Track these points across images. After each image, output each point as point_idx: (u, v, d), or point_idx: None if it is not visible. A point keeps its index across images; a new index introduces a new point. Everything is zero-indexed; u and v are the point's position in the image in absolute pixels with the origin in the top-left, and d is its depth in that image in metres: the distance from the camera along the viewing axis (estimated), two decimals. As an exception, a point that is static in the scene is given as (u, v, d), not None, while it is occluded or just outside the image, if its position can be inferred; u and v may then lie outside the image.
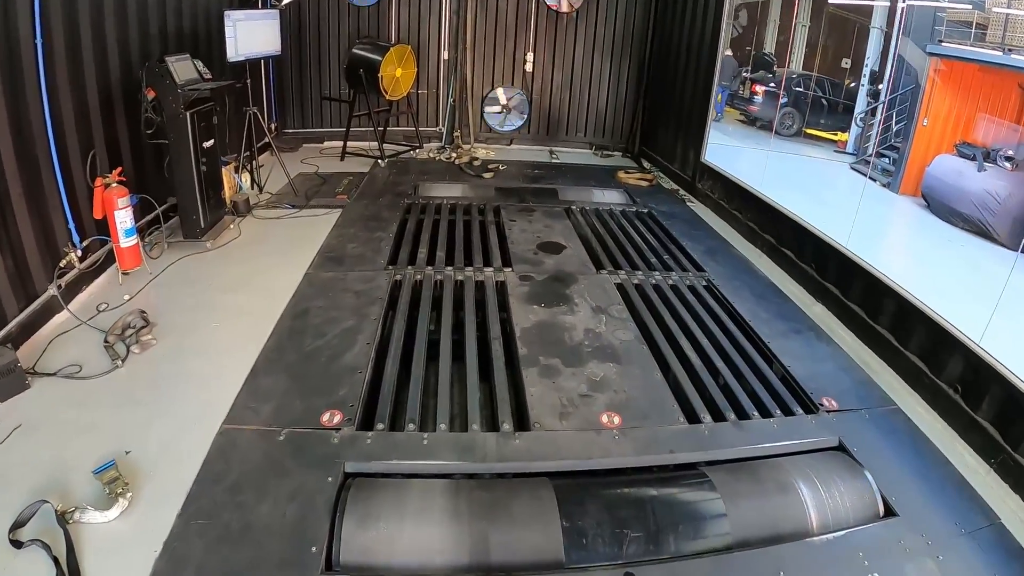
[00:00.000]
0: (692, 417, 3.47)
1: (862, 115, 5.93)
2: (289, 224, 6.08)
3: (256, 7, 7.79)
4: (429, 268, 4.92)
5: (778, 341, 4.33)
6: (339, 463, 2.88)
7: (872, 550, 2.70)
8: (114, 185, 4.63)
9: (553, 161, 9.07)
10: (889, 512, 2.94)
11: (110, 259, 4.83)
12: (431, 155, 8.72)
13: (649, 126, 9.64)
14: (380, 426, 3.17)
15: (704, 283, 5.13)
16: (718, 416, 3.50)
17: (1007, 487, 3.40)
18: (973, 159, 4.68)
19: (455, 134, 9.38)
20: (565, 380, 3.67)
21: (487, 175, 7.72)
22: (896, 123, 5.60)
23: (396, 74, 8.13)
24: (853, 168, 6.15)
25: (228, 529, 2.53)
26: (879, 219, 5.39)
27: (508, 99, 9.57)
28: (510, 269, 5.04)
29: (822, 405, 3.63)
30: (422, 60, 9.11)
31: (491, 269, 4.99)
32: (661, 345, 4.15)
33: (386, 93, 8.04)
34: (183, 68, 5.20)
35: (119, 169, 4.72)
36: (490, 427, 3.30)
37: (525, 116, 9.73)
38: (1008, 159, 4.36)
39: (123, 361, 3.73)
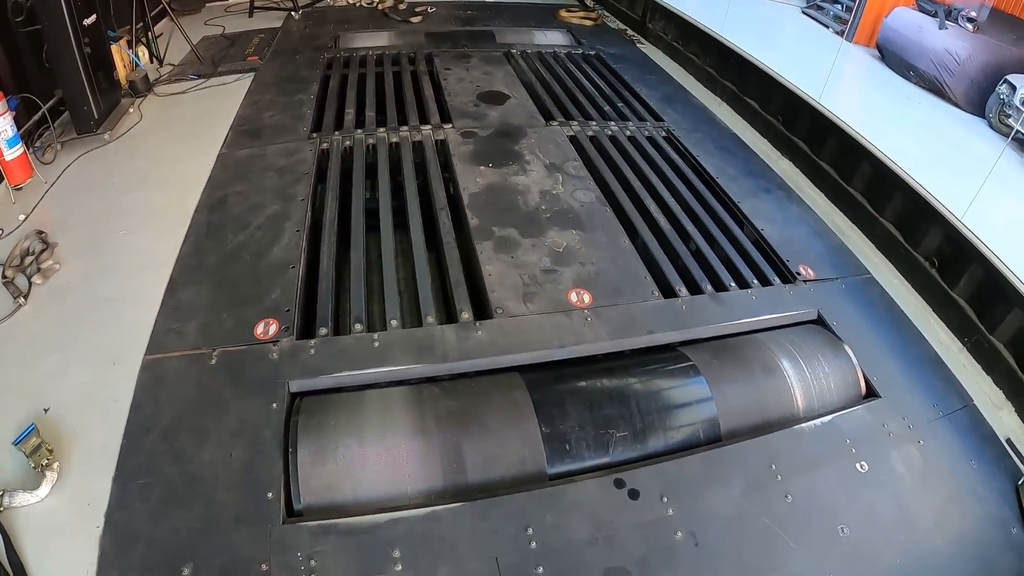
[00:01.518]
0: (667, 291, 3.20)
1: None
2: (196, 98, 5.36)
3: None
4: (359, 132, 4.37)
5: (748, 201, 4.02)
6: (282, 384, 2.52)
7: (859, 437, 2.61)
8: (-15, 91, 3.91)
9: (487, 0, 8.24)
10: (871, 393, 2.83)
11: (-2, 175, 4.15)
12: (351, 1, 7.82)
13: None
14: (323, 331, 2.79)
15: (664, 134, 4.76)
16: (694, 288, 3.24)
17: (979, 368, 3.34)
18: (934, 15, 4.64)
19: (376, -24, 8.41)
20: (525, 254, 3.30)
21: (415, 19, 6.92)
22: None
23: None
24: (804, 12, 6.05)
25: (172, 487, 2.19)
26: (834, 70, 5.14)
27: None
28: (450, 126, 4.52)
29: (799, 274, 3.41)
30: None
31: (429, 127, 4.47)
32: (626, 207, 3.82)
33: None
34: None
35: (-13, 71, 3.99)
36: (447, 318, 2.97)
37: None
38: (970, 20, 4.33)
39: (26, 298, 3.21)
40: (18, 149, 4.09)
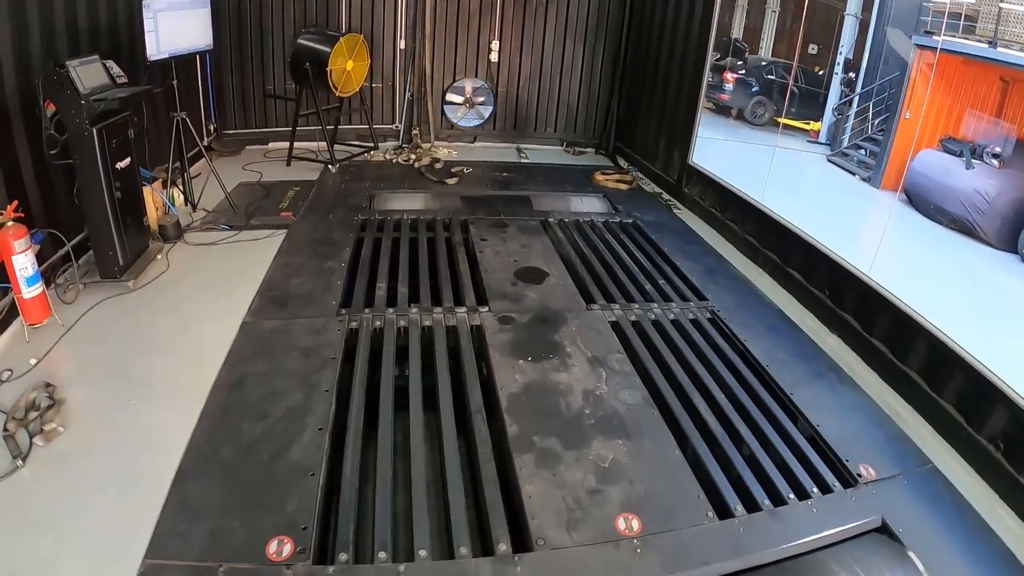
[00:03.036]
0: (722, 509, 2.88)
1: (838, 106, 5.72)
2: (226, 251, 5.26)
3: None
4: (390, 311, 4.17)
5: (801, 391, 3.76)
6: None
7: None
8: (9, 224, 3.79)
9: (522, 161, 8.33)
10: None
11: (14, 310, 3.97)
12: (387, 157, 7.90)
13: (625, 121, 8.92)
14: (343, 557, 2.48)
15: (708, 315, 4.53)
16: (751, 504, 2.92)
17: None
18: (959, 155, 4.56)
19: (413, 132, 8.58)
20: (568, 470, 3.00)
21: (451, 181, 6.95)
22: (874, 115, 5.45)
23: (347, 67, 7.29)
24: (830, 160, 5.98)
25: None
26: (862, 217, 5.19)
27: (471, 92, 8.76)
28: (487, 309, 4.33)
29: (860, 476, 3.12)
30: (376, 50, 8.23)
31: (464, 309, 4.27)
32: (673, 406, 3.53)
33: (336, 89, 7.19)
34: (90, 73, 4.34)
35: (14, 204, 3.86)
36: (482, 549, 2.63)
37: (490, 110, 8.94)
38: (995, 156, 4.25)
39: (24, 460, 2.95)
40: (38, 288, 3.95)
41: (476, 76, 8.74)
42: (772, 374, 3.89)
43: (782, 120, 6.08)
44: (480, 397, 3.46)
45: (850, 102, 5.66)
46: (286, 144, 7.71)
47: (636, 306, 4.55)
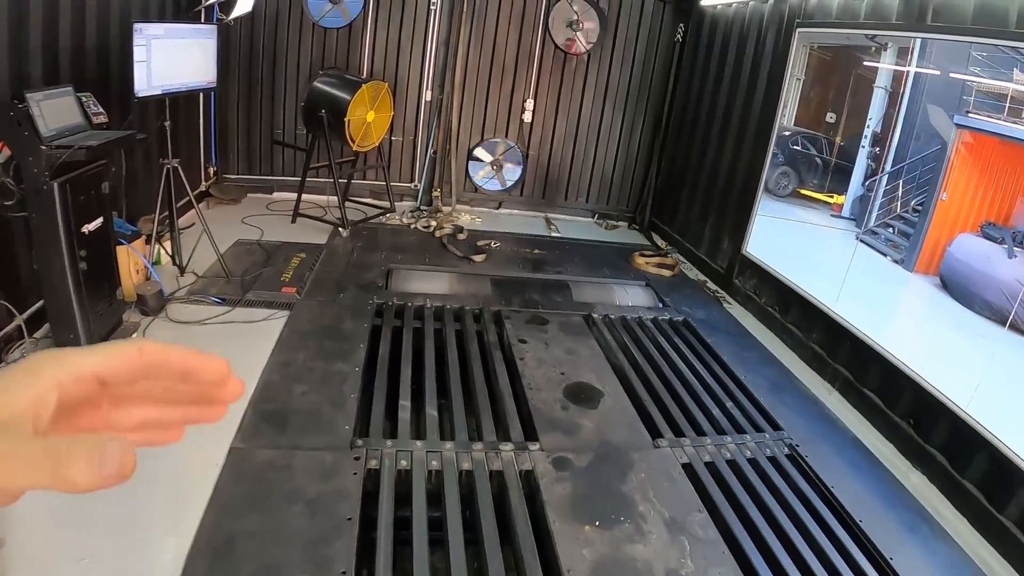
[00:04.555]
0: None
1: (868, 182, 5.66)
2: (215, 334, 4.35)
3: (189, 19, 5.98)
4: (418, 444, 3.30)
5: (900, 552, 3.17)
6: None
7: None
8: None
9: (553, 235, 7.49)
10: None
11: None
12: (405, 220, 7.05)
13: (663, 194, 8.11)
14: None
15: (786, 450, 3.85)
16: None
17: None
18: (1000, 242, 4.41)
19: (434, 193, 7.74)
20: None
21: (478, 258, 6.08)
22: (903, 193, 5.35)
23: (368, 118, 6.47)
24: (860, 239, 5.87)
25: None
26: (897, 303, 5.12)
27: (501, 153, 7.95)
28: (537, 446, 3.45)
29: None
30: (399, 100, 7.41)
31: (510, 446, 3.39)
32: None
33: (353, 142, 6.36)
34: (57, 109, 3.54)
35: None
36: None
37: (518, 176, 8.13)
38: None
39: None
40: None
41: (507, 136, 7.93)
42: (865, 530, 3.28)
43: (805, 192, 5.94)
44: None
45: (879, 179, 5.58)
46: (292, 195, 6.86)
47: (708, 441, 3.79)
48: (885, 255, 5.65)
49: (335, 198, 6.57)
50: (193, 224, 5.56)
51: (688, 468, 3.53)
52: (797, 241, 5.98)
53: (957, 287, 4.69)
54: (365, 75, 7.30)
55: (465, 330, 4.62)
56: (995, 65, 5.05)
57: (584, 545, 2.85)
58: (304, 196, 6.70)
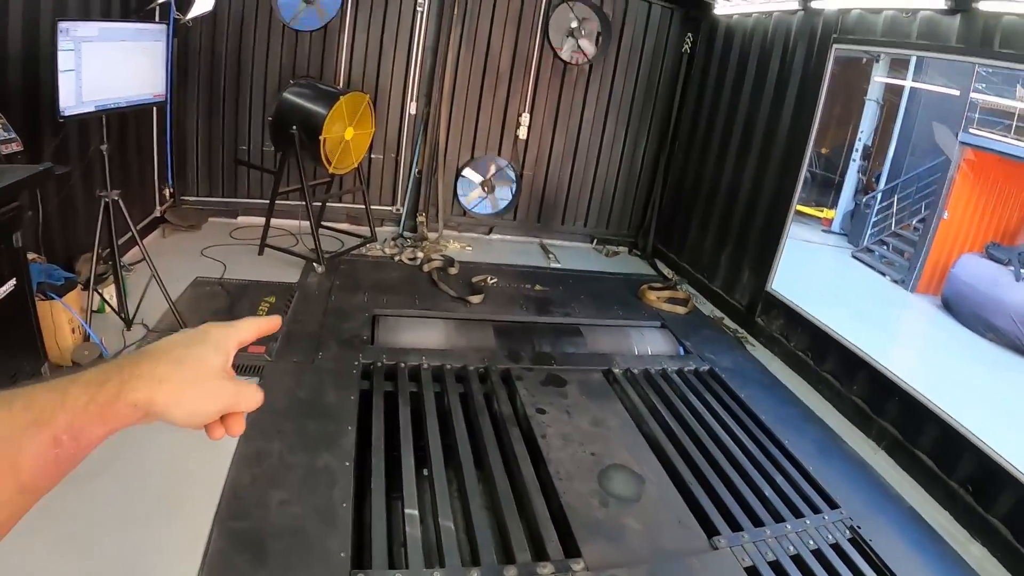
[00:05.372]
0: None
1: (864, 200, 5.74)
2: (167, 410, 3.53)
3: (137, 19, 5.07)
4: (436, 574, 2.54)
5: None
6: None
7: None
8: None
9: (552, 266, 6.75)
10: None
11: None
12: (387, 251, 6.24)
13: (670, 217, 7.41)
14: None
15: (848, 534, 3.35)
16: None
17: None
18: (1007, 264, 4.41)
19: (418, 218, 6.95)
20: None
21: (474, 299, 5.28)
22: (899, 210, 5.41)
23: (346, 136, 5.66)
24: (855, 257, 5.90)
25: None
26: (910, 329, 4.94)
27: (492, 173, 7.18)
28: (580, 565, 2.73)
29: None
30: (379, 112, 6.60)
31: (549, 568, 2.66)
32: None
33: (329, 164, 5.55)
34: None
35: None
36: None
37: (509, 199, 7.36)
38: None
39: None
40: None
41: (499, 154, 7.17)
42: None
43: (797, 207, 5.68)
44: None
45: (875, 195, 5.63)
46: (258, 220, 6.04)
47: (768, 533, 3.21)
48: (884, 274, 5.67)
49: (307, 223, 5.74)
50: (142, 260, 4.71)
51: (752, 574, 2.94)
52: (794, 258, 5.63)
53: (961, 310, 4.57)
54: (342, 85, 6.49)
55: (471, 396, 3.87)
56: (997, 82, 5.05)
57: None
58: (273, 220, 5.86)
